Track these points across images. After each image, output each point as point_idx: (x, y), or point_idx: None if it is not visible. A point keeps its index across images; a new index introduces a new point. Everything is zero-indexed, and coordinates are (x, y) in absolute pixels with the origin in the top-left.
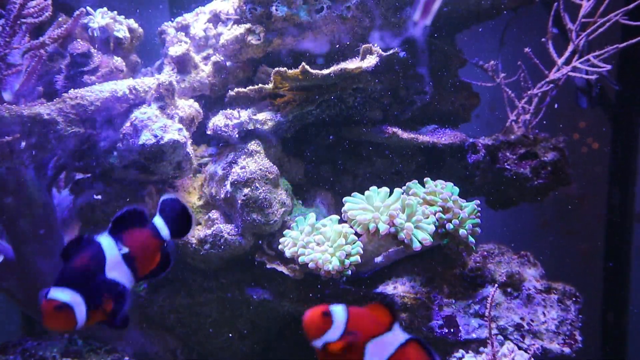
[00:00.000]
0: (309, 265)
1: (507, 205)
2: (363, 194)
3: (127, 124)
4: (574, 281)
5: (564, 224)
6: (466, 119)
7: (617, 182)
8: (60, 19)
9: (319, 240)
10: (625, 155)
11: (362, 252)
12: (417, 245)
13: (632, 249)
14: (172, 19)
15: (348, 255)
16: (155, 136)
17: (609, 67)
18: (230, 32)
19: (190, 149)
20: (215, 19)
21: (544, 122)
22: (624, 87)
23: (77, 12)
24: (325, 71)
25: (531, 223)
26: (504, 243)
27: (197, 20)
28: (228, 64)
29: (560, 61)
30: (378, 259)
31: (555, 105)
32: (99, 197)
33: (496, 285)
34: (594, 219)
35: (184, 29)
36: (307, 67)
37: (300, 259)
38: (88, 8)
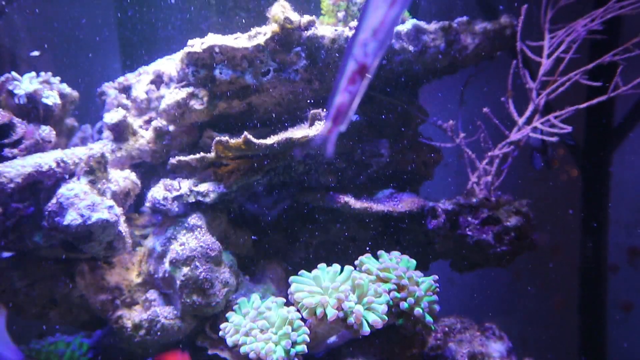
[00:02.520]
0: (250, 356)
1: (473, 268)
2: (317, 263)
3: (53, 200)
4: (549, 333)
5: (537, 275)
6: (428, 176)
7: (590, 233)
8: None
9: (262, 326)
10: (597, 205)
11: (308, 340)
12: (366, 330)
13: (608, 300)
14: (127, 71)
15: (294, 344)
16: (82, 216)
17: (569, 128)
18: (171, 96)
19: (123, 226)
20: (159, 79)
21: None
22: (591, 137)
23: (2, 79)
24: (269, 141)
25: (505, 274)
26: (470, 307)
27: (140, 81)
28: (171, 128)
29: (521, 121)
30: (331, 339)
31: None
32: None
33: None
34: (567, 270)
35: (126, 90)
36: (250, 136)
37: (241, 349)
38: (14, 73)
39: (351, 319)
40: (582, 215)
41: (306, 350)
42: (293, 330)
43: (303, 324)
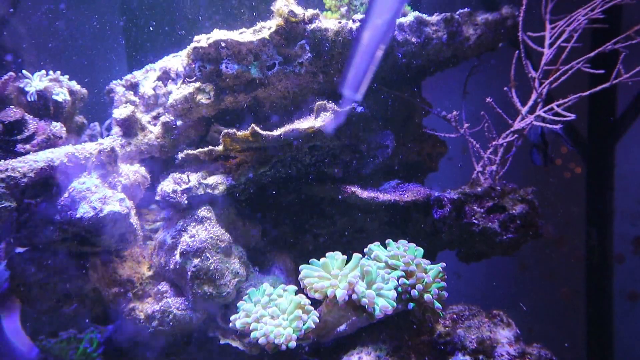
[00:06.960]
0: (260, 341)
1: (479, 258)
2: (325, 254)
3: (65, 194)
4: (556, 324)
5: (543, 266)
6: (433, 168)
7: (595, 224)
8: None
9: (273, 312)
10: (602, 196)
11: (317, 320)
12: (378, 313)
13: (614, 291)
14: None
15: (303, 323)
16: (94, 208)
17: (573, 116)
18: (179, 92)
19: (134, 219)
20: (166, 76)
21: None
22: (594, 129)
23: (5, 77)
24: (276, 132)
25: (512, 265)
26: (477, 300)
27: (147, 78)
28: (179, 123)
29: (524, 110)
30: (341, 328)
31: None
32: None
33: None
34: (573, 261)
35: (133, 87)
36: (257, 128)
37: (252, 335)
38: (24, 72)
39: (365, 300)
40: (586, 206)
41: (313, 326)
42: (304, 312)
43: (313, 309)
